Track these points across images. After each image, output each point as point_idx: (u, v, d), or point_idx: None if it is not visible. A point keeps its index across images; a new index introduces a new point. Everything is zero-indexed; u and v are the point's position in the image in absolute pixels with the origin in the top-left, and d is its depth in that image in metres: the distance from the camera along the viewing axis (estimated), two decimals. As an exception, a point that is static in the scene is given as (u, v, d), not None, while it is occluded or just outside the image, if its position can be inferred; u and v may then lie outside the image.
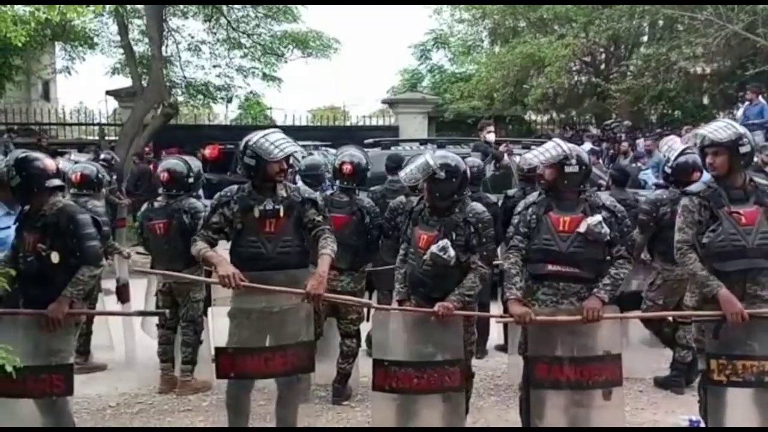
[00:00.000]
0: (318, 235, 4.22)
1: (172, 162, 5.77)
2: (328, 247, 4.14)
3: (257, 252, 4.10)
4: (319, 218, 4.27)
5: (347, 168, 5.34)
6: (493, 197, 6.45)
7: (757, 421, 3.92)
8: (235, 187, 4.23)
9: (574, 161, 4.08)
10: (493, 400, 5.51)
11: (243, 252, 4.11)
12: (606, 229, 4.02)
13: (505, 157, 9.06)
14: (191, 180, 5.62)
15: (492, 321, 6.33)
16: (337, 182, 5.43)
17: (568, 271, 4.05)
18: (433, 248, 4.12)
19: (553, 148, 4.11)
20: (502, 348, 6.49)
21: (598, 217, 4.03)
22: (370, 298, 6.52)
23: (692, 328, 4.40)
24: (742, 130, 4.00)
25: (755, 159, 8.12)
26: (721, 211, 3.93)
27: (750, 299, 3.88)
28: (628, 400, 5.26)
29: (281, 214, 4.11)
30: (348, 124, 21.12)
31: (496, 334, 6.64)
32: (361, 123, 19.92)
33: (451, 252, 4.09)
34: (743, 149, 3.91)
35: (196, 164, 5.85)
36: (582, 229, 4.01)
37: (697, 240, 4.00)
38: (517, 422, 4.82)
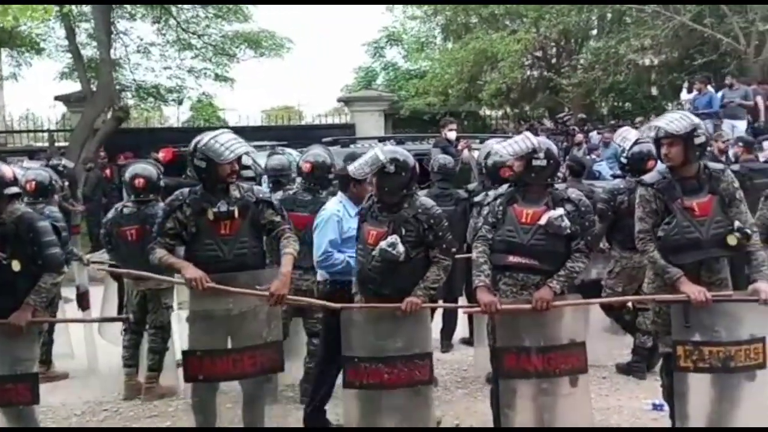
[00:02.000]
0: (279, 235, 4.20)
1: (140, 167, 5.68)
2: (290, 246, 4.13)
3: (213, 255, 4.07)
4: (277, 218, 4.25)
5: (306, 166, 5.34)
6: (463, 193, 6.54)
7: (722, 405, 4.01)
8: (187, 190, 4.18)
9: (542, 155, 4.12)
10: (460, 393, 5.56)
11: (199, 255, 4.06)
12: (566, 223, 4.06)
13: (465, 152, 9.15)
14: (161, 183, 5.58)
15: (459, 314, 6.40)
16: (300, 181, 5.42)
17: (528, 262, 4.10)
18: (382, 244, 4.10)
19: (522, 140, 4.15)
20: (468, 341, 6.55)
21: (559, 211, 4.08)
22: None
23: (650, 312, 4.51)
24: (696, 120, 4.08)
25: (710, 148, 8.39)
26: (674, 204, 4.01)
27: (705, 286, 3.96)
28: (592, 387, 5.31)
29: (236, 215, 4.07)
30: (303, 123, 21.00)
31: (461, 327, 6.70)
32: (316, 122, 19.83)
33: (400, 248, 4.08)
34: (698, 140, 4.00)
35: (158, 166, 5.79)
36: (542, 221, 4.07)
37: (654, 231, 4.09)
38: (485, 413, 4.87)
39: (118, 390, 5.62)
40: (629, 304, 5.62)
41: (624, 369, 5.72)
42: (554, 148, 4.27)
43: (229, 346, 4.08)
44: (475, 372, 5.82)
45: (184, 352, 4.08)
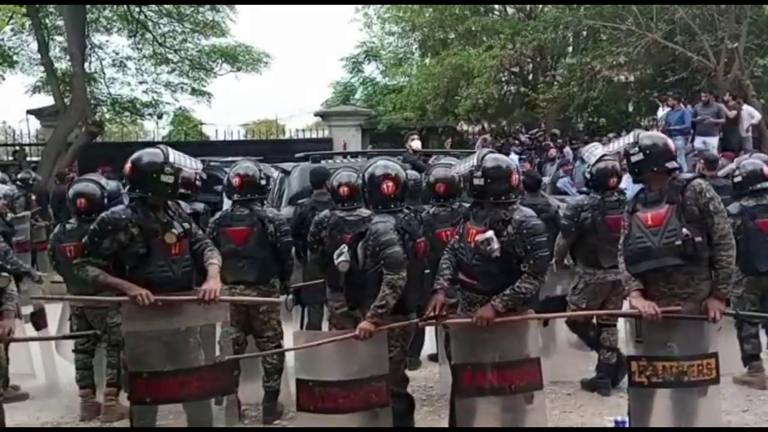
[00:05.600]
0: (202, 248, 4.24)
1: (89, 187, 5.53)
2: (215, 258, 4.21)
3: (166, 276, 4.02)
4: (200, 233, 4.33)
5: (236, 181, 5.26)
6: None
7: (677, 419, 4.01)
8: (127, 208, 4.08)
9: (479, 173, 4.13)
10: (425, 411, 5.48)
11: (153, 278, 3.98)
12: (495, 246, 3.99)
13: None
14: (105, 200, 5.43)
15: (426, 330, 6.33)
16: (235, 196, 5.33)
17: (470, 281, 4.19)
18: (334, 255, 4.27)
19: (467, 161, 4.24)
20: (435, 357, 6.49)
21: (488, 234, 4.01)
22: (302, 313, 6.49)
23: (614, 328, 4.52)
24: (633, 140, 4.15)
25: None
26: (632, 216, 4.09)
27: (666, 298, 3.96)
28: (556, 404, 5.34)
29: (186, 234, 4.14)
30: (282, 137, 20.99)
31: (429, 343, 6.64)
32: (295, 136, 19.81)
33: (342, 258, 4.20)
34: (634, 158, 4.07)
35: (105, 182, 5.68)
36: (473, 243, 4.09)
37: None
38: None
39: (78, 411, 5.50)
40: (594, 319, 5.60)
41: (589, 385, 5.68)
42: (499, 167, 4.18)
43: (168, 368, 3.97)
44: (440, 389, 5.75)
45: (130, 374, 3.96)
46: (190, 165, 4.12)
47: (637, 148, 4.06)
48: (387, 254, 4.06)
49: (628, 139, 4.17)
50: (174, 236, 4.03)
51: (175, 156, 4.11)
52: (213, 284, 3.99)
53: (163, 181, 4.02)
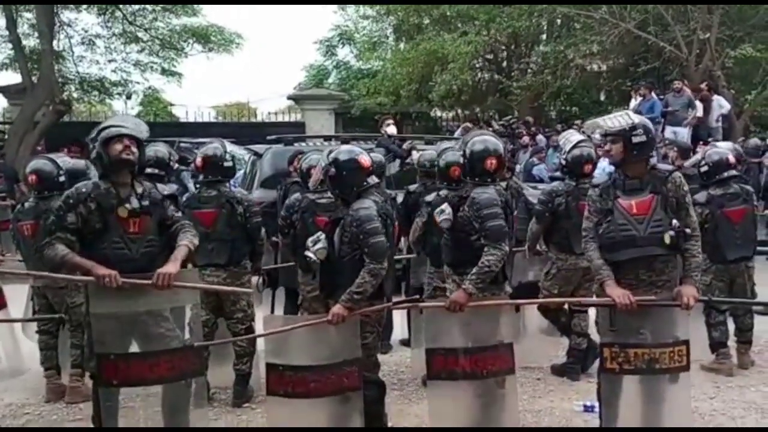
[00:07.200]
0: (178, 230, 4.10)
1: (39, 163, 5.45)
2: (186, 239, 4.03)
3: (122, 253, 3.89)
4: (179, 214, 4.20)
5: (198, 161, 5.20)
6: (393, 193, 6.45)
7: (647, 405, 4.03)
8: (91, 183, 4.01)
9: (462, 152, 4.45)
10: (395, 395, 5.47)
11: (107, 254, 3.86)
12: (443, 217, 4.45)
13: (413, 154, 9.05)
14: (62, 178, 5.30)
15: (395, 315, 6.34)
16: (201, 177, 5.26)
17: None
18: (308, 242, 4.18)
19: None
20: (406, 342, 6.50)
21: (442, 207, 4.50)
22: (273, 296, 6.45)
23: (585, 314, 4.59)
24: (637, 120, 4.06)
25: (667, 153, 8.53)
26: (613, 202, 4.03)
27: (645, 286, 3.97)
28: (526, 388, 5.38)
29: (146, 212, 3.98)
30: (254, 120, 20.79)
31: (399, 328, 6.65)
32: (267, 120, 19.64)
33: (318, 246, 4.11)
34: (636, 138, 3.97)
35: (64, 160, 5.57)
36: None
37: (597, 230, 4.10)
38: (418, 415, 4.86)
39: (43, 392, 5.42)
40: (565, 306, 5.64)
41: (559, 370, 5.73)
42: (478, 150, 4.42)
43: (135, 348, 3.91)
44: (411, 374, 5.77)
45: (97, 355, 3.84)
46: (133, 127, 3.99)
47: (641, 130, 3.98)
48: (371, 243, 3.98)
49: (623, 118, 4.08)
50: (125, 210, 3.89)
51: (118, 120, 4.09)
52: (170, 267, 3.83)
53: (93, 158, 3.97)
